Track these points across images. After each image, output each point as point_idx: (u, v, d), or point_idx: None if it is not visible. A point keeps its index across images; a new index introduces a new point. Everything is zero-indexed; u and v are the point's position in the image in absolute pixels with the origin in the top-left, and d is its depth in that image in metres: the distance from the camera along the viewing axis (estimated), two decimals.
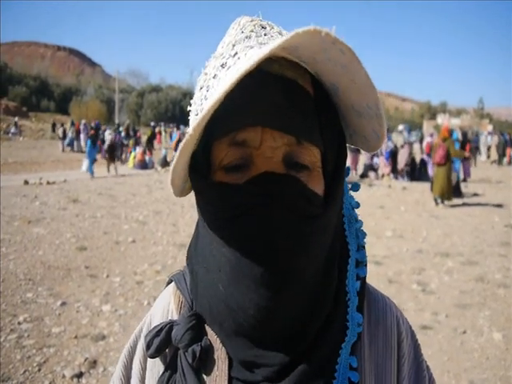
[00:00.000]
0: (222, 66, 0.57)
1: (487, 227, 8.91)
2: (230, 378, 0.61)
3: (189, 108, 0.65)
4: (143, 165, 18.92)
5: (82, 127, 25.33)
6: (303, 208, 0.55)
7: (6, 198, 10.31)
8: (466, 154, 13.64)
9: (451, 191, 11.02)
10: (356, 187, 0.71)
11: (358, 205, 0.70)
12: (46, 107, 45.22)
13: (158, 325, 0.67)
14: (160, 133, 31.20)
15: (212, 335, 0.64)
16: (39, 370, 3.56)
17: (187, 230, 8.18)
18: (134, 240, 7.37)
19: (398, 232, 8.35)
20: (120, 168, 17.54)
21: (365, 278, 0.68)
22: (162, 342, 0.65)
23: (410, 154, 16.35)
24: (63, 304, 4.76)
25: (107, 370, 3.60)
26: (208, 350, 0.63)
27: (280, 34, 0.61)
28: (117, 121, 35.69)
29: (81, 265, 6.03)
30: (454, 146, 11.04)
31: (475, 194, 12.99)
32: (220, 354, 0.62)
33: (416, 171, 16.18)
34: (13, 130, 32.42)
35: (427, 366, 0.73)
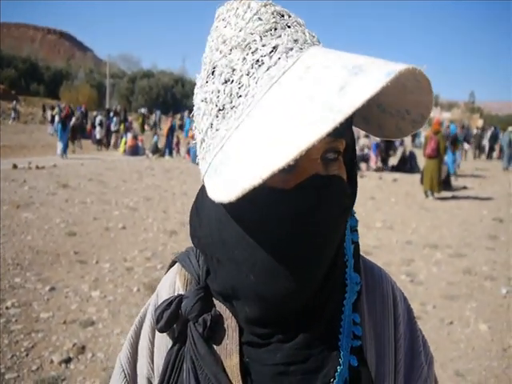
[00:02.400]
0: (257, 62, 0.53)
1: (475, 220, 9.01)
2: (241, 344, 0.64)
3: (195, 101, 0.61)
4: (134, 151, 18.79)
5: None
6: (344, 204, 0.59)
7: None
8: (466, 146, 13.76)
9: (441, 184, 11.11)
10: None
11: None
12: (35, 91, 44.59)
13: (167, 299, 0.68)
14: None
15: (221, 306, 0.66)
16: (27, 354, 3.54)
17: (178, 217, 8.17)
18: (124, 226, 7.34)
19: (387, 223, 8.41)
20: (111, 153, 17.42)
21: (357, 242, 0.72)
22: (171, 315, 0.66)
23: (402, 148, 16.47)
24: (52, 289, 4.74)
25: (96, 356, 3.59)
26: (218, 320, 0.65)
27: (299, 24, 0.59)
28: (107, 106, 35.33)
29: (70, 250, 5.99)
30: (445, 140, 11.12)
31: (464, 187, 13.11)
32: (230, 323, 0.65)
33: (407, 164, 16.29)
34: (12, 114, 31.68)
35: (419, 329, 0.79)
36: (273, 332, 0.62)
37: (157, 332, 0.71)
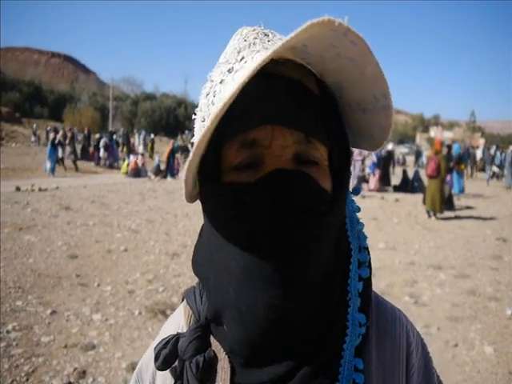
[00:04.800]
0: (229, 70, 0.58)
1: (479, 240, 8.96)
2: None
3: (194, 116, 0.65)
4: (136, 173, 18.88)
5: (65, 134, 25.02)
6: (312, 205, 0.56)
7: None
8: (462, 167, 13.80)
9: (443, 204, 11.10)
10: (357, 191, 0.72)
11: (358, 209, 0.71)
12: (39, 113, 45.04)
13: (166, 337, 0.68)
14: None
15: (217, 346, 0.64)
16: (27, 379, 3.50)
17: (180, 239, 8.15)
18: (126, 249, 7.32)
19: (390, 244, 8.37)
20: (112, 175, 17.49)
21: (368, 278, 0.66)
22: (168, 354, 0.65)
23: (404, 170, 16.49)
24: (53, 313, 4.71)
25: (96, 381, 3.55)
26: (212, 361, 0.63)
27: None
28: (110, 128, 35.59)
29: (72, 273, 5.97)
30: (445, 160, 11.15)
31: (467, 207, 13.08)
32: (223, 364, 0.63)
33: (409, 184, 16.29)
34: (32, 138, 31.61)
35: (439, 381, 0.72)
36: (266, 375, 0.59)
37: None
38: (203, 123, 0.61)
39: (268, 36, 0.63)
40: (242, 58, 0.58)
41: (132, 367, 3.73)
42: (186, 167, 0.52)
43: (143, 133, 32.91)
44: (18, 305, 4.85)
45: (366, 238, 0.69)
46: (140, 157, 20.36)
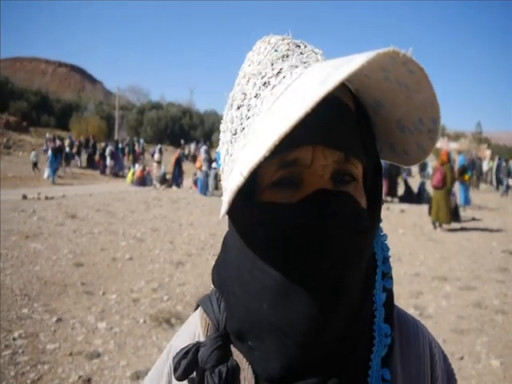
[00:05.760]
0: (265, 84, 0.56)
1: (485, 252, 8.91)
2: None
3: (221, 127, 0.65)
4: (142, 182, 18.95)
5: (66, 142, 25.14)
6: (356, 223, 0.56)
7: (3, 212, 10.27)
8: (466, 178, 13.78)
9: (449, 215, 11.05)
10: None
11: (380, 219, 0.70)
12: (46, 122, 45.30)
13: (185, 347, 0.65)
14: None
15: (238, 355, 0.63)
16: None
17: (184, 247, 8.17)
18: (131, 257, 7.34)
19: (395, 255, 8.33)
20: (118, 184, 17.57)
21: (391, 289, 0.66)
22: (189, 364, 0.64)
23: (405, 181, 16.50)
24: (58, 320, 4.73)
25: None
26: (234, 371, 0.62)
27: (314, 52, 0.62)
28: (116, 137, 35.77)
29: (77, 281, 5.99)
30: (451, 171, 11.13)
31: (473, 219, 13.01)
32: (246, 374, 0.61)
33: (413, 195, 16.26)
34: (44, 147, 31.46)
35: None
36: None
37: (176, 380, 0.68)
38: (235, 136, 0.58)
39: (300, 47, 0.62)
40: (279, 72, 0.56)
41: (136, 376, 3.74)
42: (233, 190, 0.46)
43: (142, 142, 33.08)
44: (24, 312, 4.87)
45: (388, 249, 0.69)
46: (155, 165, 20.33)
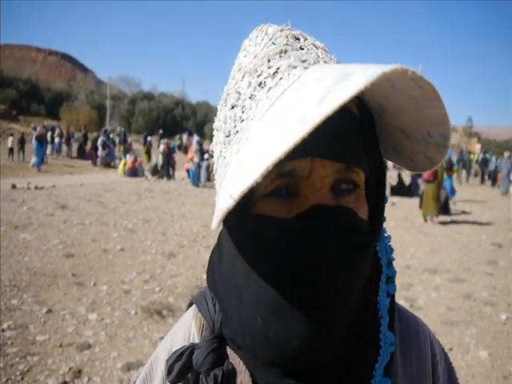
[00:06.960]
0: (260, 85, 0.53)
1: (474, 245, 9.00)
2: None
3: (214, 125, 0.62)
4: (133, 172, 18.85)
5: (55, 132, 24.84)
6: (354, 239, 0.53)
7: None
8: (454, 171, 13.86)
9: (439, 208, 11.15)
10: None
11: (384, 218, 0.66)
12: (36, 111, 44.80)
13: (179, 349, 0.63)
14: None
15: (234, 358, 0.61)
16: (22, 378, 3.49)
17: (176, 239, 8.15)
18: (123, 248, 7.31)
19: None
20: (109, 174, 17.47)
21: (394, 295, 0.64)
22: (183, 367, 0.61)
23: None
24: (48, 311, 4.69)
25: (92, 380, 3.54)
26: (230, 374, 0.60)
27: (315, 46, 0.58)
28: (108, 127, 35.47)
29: (68, 272, 5.95)
30: (442, 165, 11.19)
31: (463, 212, 13.15)
32: (243, 378, 0.59)
33: (405, 187, 16.36)
34: (31, 137, 30.77)
35: None
36: None
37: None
38: (228, 138, 0.56)
39: (299, 40, 0.58)
40: (276, 72, 0.52)
41: (127, 367, 3.73)
42: (223, 211, 0.43)
43: (123, 130, 31.98)
44: (13, 303, 4.83)
45: (393, 250, 0.67)
46: (160, 156, 19.87)
